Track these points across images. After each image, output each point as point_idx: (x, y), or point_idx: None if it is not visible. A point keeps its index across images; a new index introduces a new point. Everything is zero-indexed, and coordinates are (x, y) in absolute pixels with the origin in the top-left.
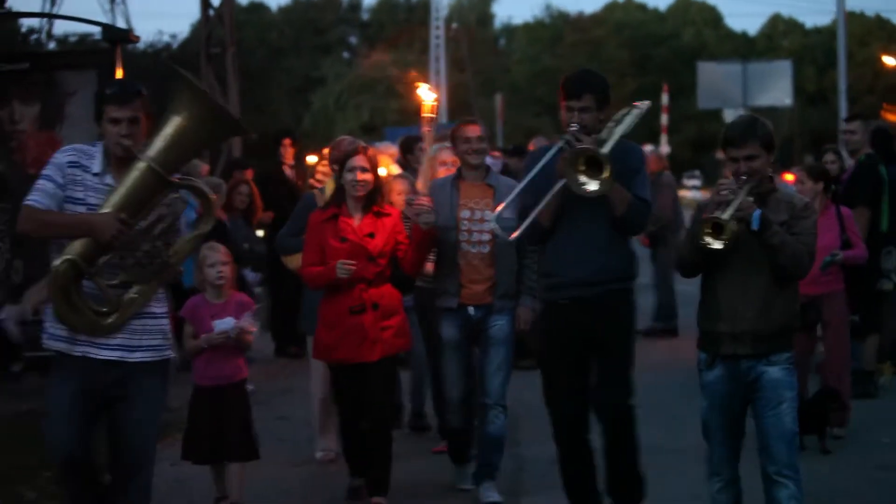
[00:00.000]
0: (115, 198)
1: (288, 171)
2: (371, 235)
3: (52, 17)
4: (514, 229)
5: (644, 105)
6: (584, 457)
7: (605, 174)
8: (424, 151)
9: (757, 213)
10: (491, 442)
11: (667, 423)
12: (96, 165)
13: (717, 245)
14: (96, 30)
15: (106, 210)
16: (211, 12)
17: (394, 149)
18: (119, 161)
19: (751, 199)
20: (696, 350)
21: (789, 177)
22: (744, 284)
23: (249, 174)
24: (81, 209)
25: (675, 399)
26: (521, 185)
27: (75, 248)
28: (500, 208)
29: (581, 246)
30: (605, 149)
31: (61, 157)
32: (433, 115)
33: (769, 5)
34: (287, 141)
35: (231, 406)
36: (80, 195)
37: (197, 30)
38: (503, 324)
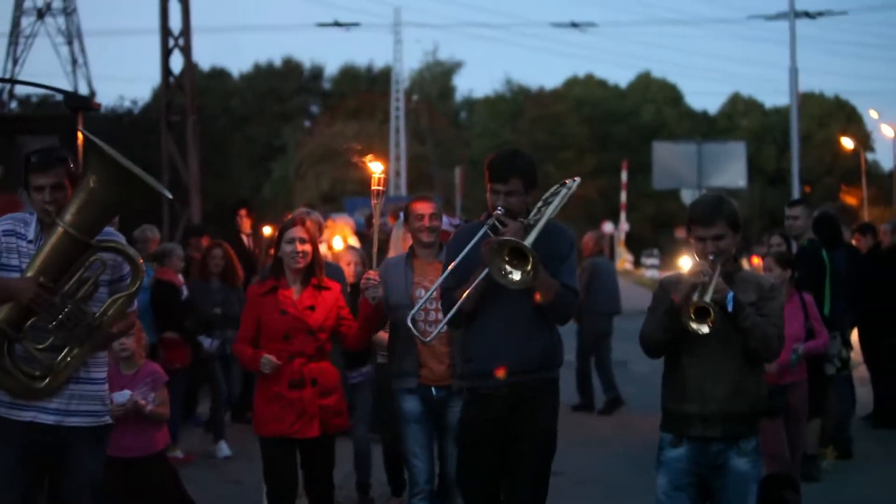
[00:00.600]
0: (36, 262)
1: (245, 241)
2: (311, 308)
3: (16, 82)
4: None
5: (574, 183)
6: None
7: (529, 267)
8: (374, 225)
9: (730, 294)
10: None
11: (618, 495)
12: (31, 233)
13: (705, 329)
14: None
15: (27, 274)
16: (171, 80)
17: (351, 220)
18: (49, 227)
19: (722, 281)
20: (648, 428)
21: (756, 260)
22: (715, 365)
23: (206, 241)
24: (16, 275)
25: (625, 472)
26: (442, 276)
27: (1, 312)
28: (414, 311)
29: (504, 332)
30: (531, 237)
31: None
32: (381, 188)
33: (729, 85)
34: (243, 211)
35: (147, 478)
36: (14, 262)
37: (158, 96)
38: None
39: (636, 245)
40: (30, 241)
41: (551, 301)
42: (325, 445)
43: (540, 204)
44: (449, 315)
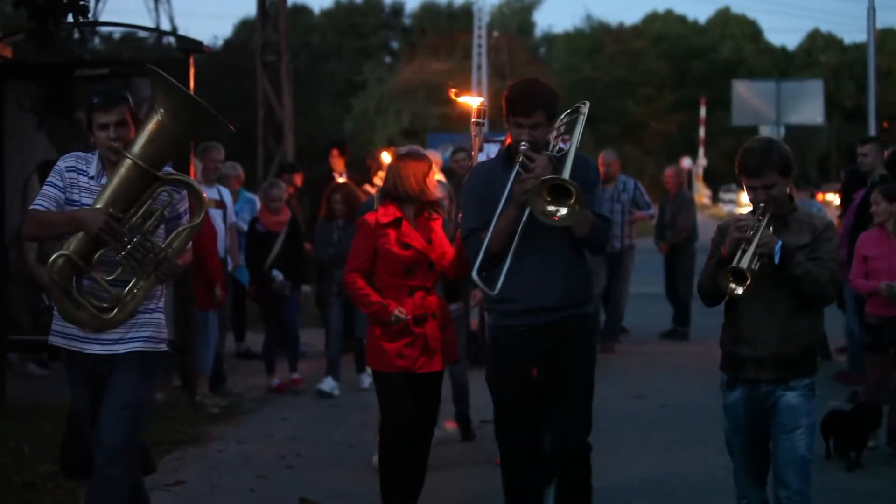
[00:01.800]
0: (105, 194)
1: (338, 179)
2: (429, 241)
3: (133, 27)
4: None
5: (586, 107)
6: None
7: (573, 200)
8: (473, 156)
9: (778, 245)
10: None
11: (697, 418)
12: (92, 169)
13: (740, 291)
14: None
15: (97, 206)
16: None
17: (438, 156)
18: (112, 164)
19: (770, 232)
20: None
21: (820, 197)
22: (768, 309)
23: (299, 179)
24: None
25: (700, 399)
26: (492, 228)
27: (71, 244)
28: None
29: (538, 269)
30: (567, 170)
31: (62, 163)
32: (481, 120)
33: (808, 21)
34: (335, 151)
35: None
36: (76, 197)
37: (247, 35)
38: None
39: (714, 180)
40: (91, 178)
41: (587, 232)
42: (439, 378)
43: (555, 133)
44: (481, 255)
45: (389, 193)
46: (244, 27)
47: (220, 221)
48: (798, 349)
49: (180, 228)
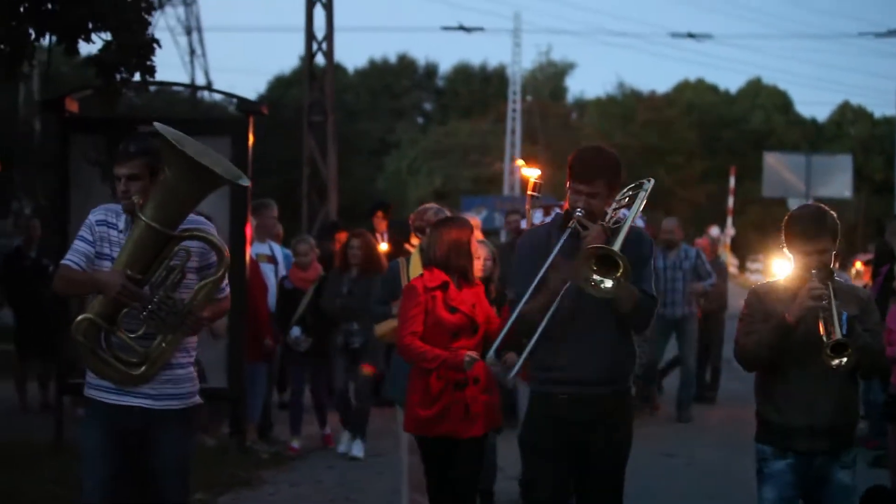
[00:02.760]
0: (122, 255)
1: (379, 240)
2: (474, 306)
3: (199, 88)
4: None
5: (649, 184)
6: None
7: (619, 273)
8: (528, 227)
9: (844, 316)
10: None
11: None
12: (122, 223)
13: (845, 361)
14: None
15: (115, 268)
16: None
17: (477, 218)
18: (133, 221)
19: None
20: (749, 418)
21: (858, 265)
22: (823, 379)
23: (343, 237)
24: (108, 264)
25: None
26: (530, 290)
27: (94, 306)
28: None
29: (584, 342)
30: (618, 242)
31: (92, 216)
32: (537, 194)
33: (839, 94)
34: (380, 213)
35: None
36: (107, 251)
37: (282, 92)
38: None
39: (741, 249)
40: (120, 231)
41: (631, 308)
42: (481, 443)
43: (614, 206)
44: (509, 323)
45: (430, 259)
46: (279, 84)
47: (271, 276)
48: (850, 419)
49: (202, 283)
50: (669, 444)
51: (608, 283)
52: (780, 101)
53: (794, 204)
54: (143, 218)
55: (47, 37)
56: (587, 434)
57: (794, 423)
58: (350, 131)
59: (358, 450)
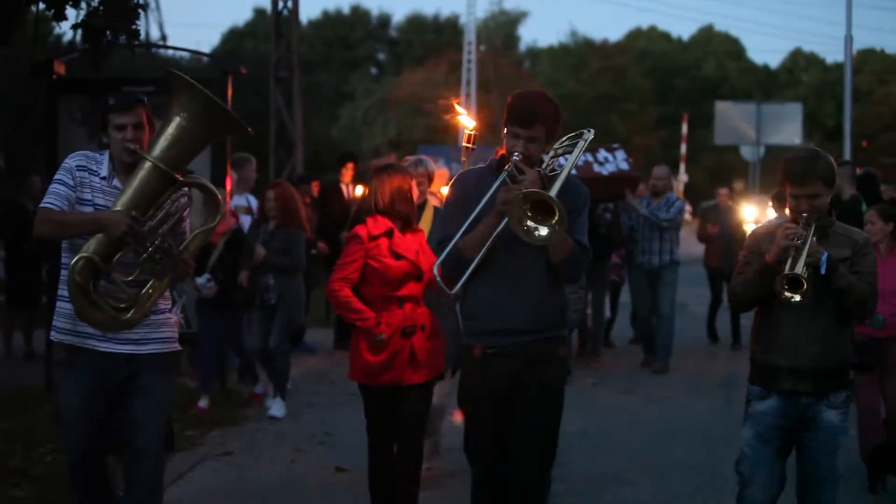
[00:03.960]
0: (125, 197)
1: (344, 190)
2: (419, 252)
3: (164, 47)
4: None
5: (590, 134)
6: None
7: (555, 221)
8: None
9: (824, 256)
10: None
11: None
12: (104, 170)
13: (797, 298)
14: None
15: (116, 208)
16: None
17: (446, 169)
18: (125, 166)
19: (816, 242)
20: (701, 358)
21: None
22: (807, 321)
23: (315, 188)
24: (89, 209)
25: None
26: (468, 222)
27: (91, 246)
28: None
29: (510, 289)
30: (555, 189)
31: (70, 161)
32: (472, 146)
33: (791, 40)
34: (350, 164)
35: None
36: (88, 196)
37: (235, 45)
38: None
39: (694, 196)
40: (103, 178)
41: (563, 258)
42: (428, 388)
43: (552, 153)
44: (447, 250)
45: (375, 206)
46: (233, 36)
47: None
48: (837, 362)
49: (198, 230)
50: (628, 384)
51: (543, 231)
52: (732, 48)
53: (746, 151)
54: (151, 159)
55: (37, 4)
56: (517, 381)
57: (779, 364)
58: (306, 82)
59: (278, 409)
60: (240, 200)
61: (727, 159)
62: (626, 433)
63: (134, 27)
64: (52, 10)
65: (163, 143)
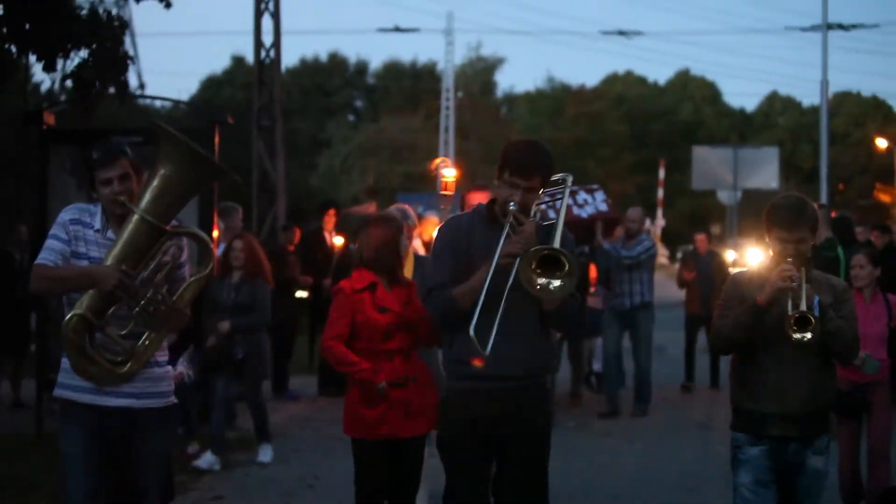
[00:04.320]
0: (115, 250)
1: (327, 238)
2: (407, 304)
3: (163, 98)
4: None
5: (570, 178)
6: None
7: (566, 273)
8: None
9: (816, 299)
10: None
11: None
12: (97, 222)
13: (808, 337)
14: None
15: (107, 263)
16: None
17: (435, 216)
18: (118, 218)
19: (809, 286)
20: (678, 402)
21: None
22: (794, 365)
23: (297, 235)
24: (85, 263)
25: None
26: (486, 277)
27: (84, 302)
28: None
29: (504, 335)
30: (557, 241)
31: (65, 215)
32: (450, 193)
33: (767, 84)
34: (332, 211)
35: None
36: (82, 250)
37: (213, 93)
38: None
39: (672, 240)
40: (97, 231)
41: (557, 308)
42: (422, 442)
43: (536, 202)
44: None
45: (360, 260)
46: (210, 84)
47: None
48: (822, 404)
49: (191, 279)
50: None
51: (556, 283)
52: (708, 93)
53: (723, 195)
54: (139, 212)
55: (28, 55)
56: (505, 429)
57: (767, 410)
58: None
59: (265, 454)
60: None
61: (704, 203)
62: (607, 474)
63: (122, 78)
64: (43, 62)
65: (149, 195)
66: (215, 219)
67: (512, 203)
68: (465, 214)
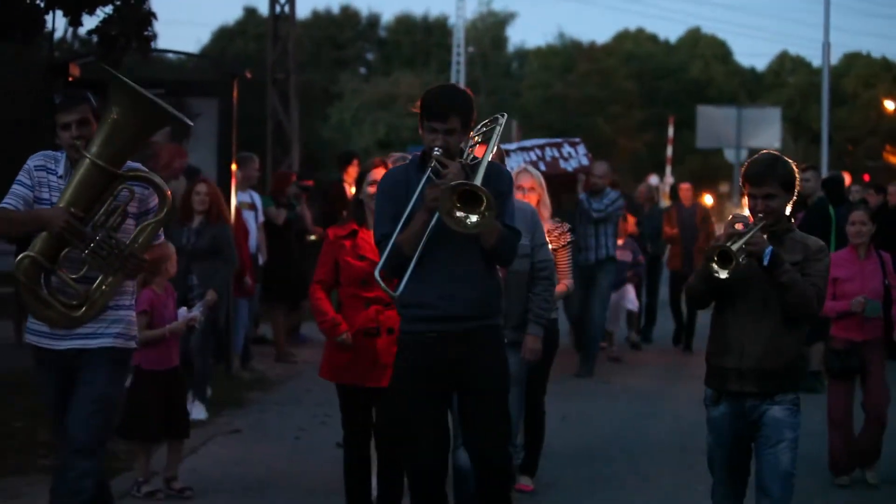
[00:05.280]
0: (66, 194)
1: (347, 189)
2: None
3: (184, 53)
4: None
5: (503, 118)
6: None
7: (483, 208)
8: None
9: (769, 249)
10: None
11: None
12: (61, 168)
13: (723, 274)
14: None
15: (58, 205)
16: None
17: None
18: (77, 164)
19: (763, 235)
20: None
21: None
22: (753, 321)
23: (292, 178)
24: (48, 207)
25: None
26: (403, 218)
27: (35, 245)
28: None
29: (449, 277)
30: (479, 177)
31: (30, 161)
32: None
33: (778, 43)
34: (356, 161)
35: (175, 389)
36: (45, 195)
37: (225, 44)
38: (514, 360)
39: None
40: (60, 177)
41: (494, 243)
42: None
43: (471, 142)
44: (386, 252)
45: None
46: (222, 35)
47: (252, 222)
48: (782, 363)
49: (145, 223)
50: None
51: (473, 219)
52: (719, 51)
53: (729, 154)
54: (89, 156)
55: (54, 11)
56: (460, 370)
57: (725, 364)
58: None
59: (199, 412)
60: (243, 197)
61: (713, 161)
62: (603, 417)
63: (146, 33)
64: (69, 17)
65: (99, 139)
66: (234, 168)
67: (436, 148)
68: (402, 165)
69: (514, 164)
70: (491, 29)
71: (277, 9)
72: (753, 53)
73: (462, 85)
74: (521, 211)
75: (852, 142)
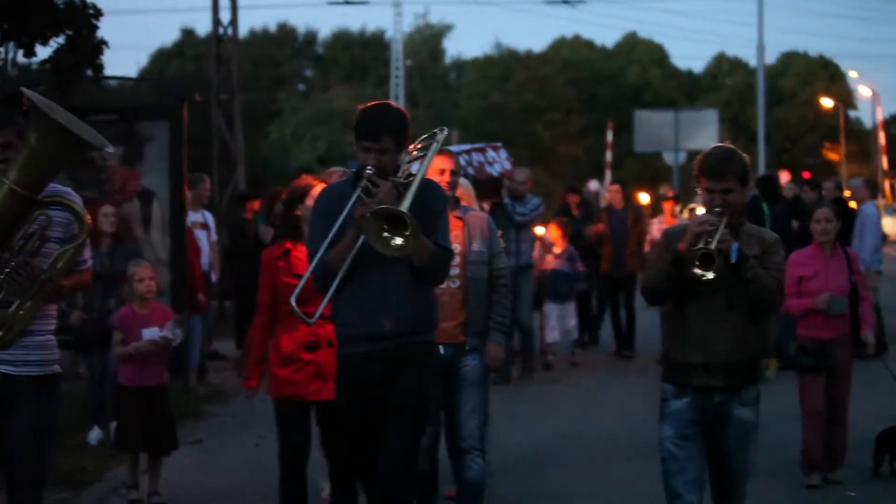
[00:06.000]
0: None
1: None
2: None
3: (133, 79)
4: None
5: (443, 134)
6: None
7: (408, 232)
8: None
9: (735, 246)
10: (470, 488)
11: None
12: None
13: (710, 275)
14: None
15: None
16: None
17: None
18: None
19: (728, 232)
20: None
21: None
22: (718, 316)
23: (257, 204)
24: None
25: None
26: (330, 236)
27: None
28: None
29: (376, 295)
30: (407, 200)
31: None
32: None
33: (714, 45)
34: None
35: (157, 406)
36: None
37: (162, 66)
38: (476, 364)
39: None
40: None
41: (425, 263)
42: (332, 407)
43: (408, 158)
44: (313, 265)
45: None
46: (160, 57)
47: (204, 240)
48: (749, 357)
49: (63, 249)
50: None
51: (398, 241)
52: (655, 55)
53: (668, 157)
54: (6, 181)
55: (8, 43)
56: (385, 388)
57: (691, 360)
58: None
59: (92, 436)
60: (195, 216)
61: (652, 164)
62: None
63: (98, 62)
64: (23, 48)
65: (17, 165)
66: (186, 188)
67: (369, 167)
68: (338, 182)
69: None
70: (428, 41)
71: (220, 30)
72: (690, 56)
73: (401, 97)
74: (477, 220)
75: (791, 140)
